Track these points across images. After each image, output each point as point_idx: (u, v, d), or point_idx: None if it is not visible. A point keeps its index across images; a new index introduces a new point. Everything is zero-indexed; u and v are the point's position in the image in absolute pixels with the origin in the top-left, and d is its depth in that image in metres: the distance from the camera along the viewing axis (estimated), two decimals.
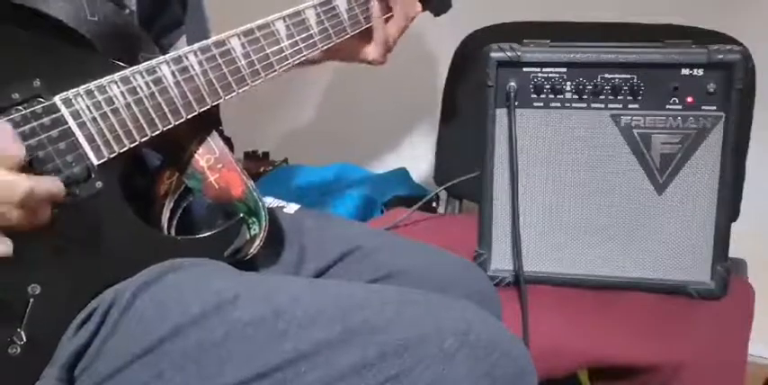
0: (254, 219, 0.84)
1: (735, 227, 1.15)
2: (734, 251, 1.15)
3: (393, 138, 2.02)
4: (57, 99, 0.71)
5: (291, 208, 1.02)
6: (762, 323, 1.16)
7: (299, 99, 2.08)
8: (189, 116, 0.80)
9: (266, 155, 1.94)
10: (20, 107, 0.69)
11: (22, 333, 0.68)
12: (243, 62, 0.84)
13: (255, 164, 1.88)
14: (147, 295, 0.72)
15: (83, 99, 0.73)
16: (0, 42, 0.69)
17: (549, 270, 1.17)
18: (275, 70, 0.87)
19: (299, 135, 2.14)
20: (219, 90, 0.82)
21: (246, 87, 0.85)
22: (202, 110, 0.81)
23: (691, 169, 1.12)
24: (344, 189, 1.75)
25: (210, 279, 0.75)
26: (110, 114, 0.74)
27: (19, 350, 0.68)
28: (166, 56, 0.79)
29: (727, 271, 1.13)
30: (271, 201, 1.02)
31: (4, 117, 0.68)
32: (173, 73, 0.78)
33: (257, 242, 0.84)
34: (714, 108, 1.10)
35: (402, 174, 1.87)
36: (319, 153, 1.93)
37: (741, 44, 1.14)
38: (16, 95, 0.69)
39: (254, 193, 0.84)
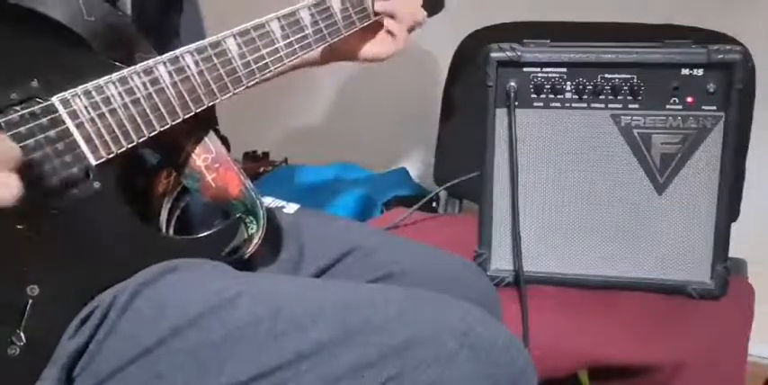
0: (252, 219, 0.84)
1: (735, 227, 1.14)
2: (734, 251, 1.15)
3: (393, 138, 2.02)
4: (55, 99, 0.71)
5: (291, 208, 1.02)
6: (762, 323, 1.16)
7: (298, 99, 2.08)
8: (186, 116, 0.80)
9: (266, 155, 1.94)
10: (17, 107, 0.69)
11: (22, 334, 0.68)
12: (239, 62, 0.84)
13: (255, 164, 1.88)
14: (146, 295, 0.72)
15: (80, 99, 0.73)
16: None
17: (549, 270, 1.17)
18: (270, 70, 0.87)
19: (299, 135, 2.14)
20: (216, 90, 0.82)
21: (242, 88, 0.85)
22: (199, 110, 0.81)
23: (691, 169, 1.11)
24: (344, 189, 1.75)
25: (210, 279, 0.75)
26: (107, 115, 0.74)
27: (18, 351, 0.68)
28: (163, 56, 0.79)
29: (727, 271, 1.13)
30: (270, 201, 1.02)
31: (2, 117, 0.68)
32: (169, 73, 0.78)
33: (255, 241, 0.84)
34: (714, 108, 1.09)
35: (402, 174, 1.88)
36: (319, 153, 1.93)
37: (741, 44, 1.14)
38: (14, 96, 0.69)
39: (252, 193, 0.84)
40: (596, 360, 1.07)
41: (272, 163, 1.91)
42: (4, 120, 0.67)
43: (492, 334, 0.69)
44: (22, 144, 0.67)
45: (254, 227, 0.84)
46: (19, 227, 0.68)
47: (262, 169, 1.86)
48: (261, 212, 0.84)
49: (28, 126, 0.69)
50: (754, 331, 1.12)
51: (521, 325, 1.09)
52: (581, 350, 1.07)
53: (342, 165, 1.87)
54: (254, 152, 1.94)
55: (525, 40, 1.14)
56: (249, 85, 0.86)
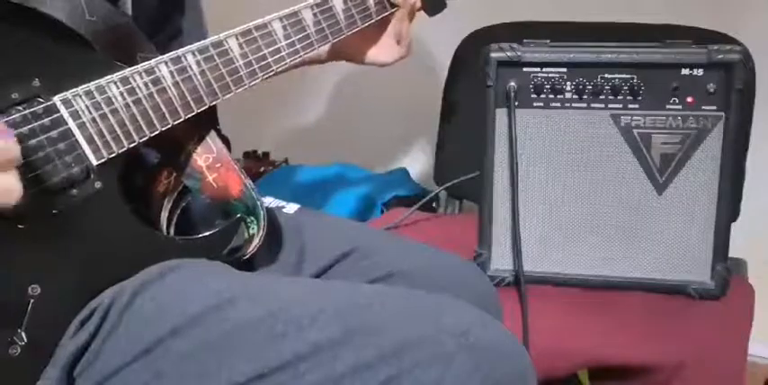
0: (253, 219, 0.84)
1: (735, 227, 1.14)
2: (734, 251, 1.15)
3: (393, 138, 2.02)
4: (56, 99, 0.71)
5: (291, 208, 1.02)
6: (762, 323, 1.16)
7: (299, 99, 2.08)
8: (187, 116, 0.80)
9: (266, 155, 1.94)
10: (19, 107, 0.69)
11: (23, 334, 0.68)
12: (240, 62, 0.84)
13: (255, 164, 1.88)
14: (146, 295, 0.72)
15: (82, 99, 0.73)
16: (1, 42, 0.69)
17: (549, 270, 1.17)
18: (273, 70, 0.87)
19: (299, 135, 2.14)
20: (217, 90, 0.82)
21: (244, 88, 0.85)
22: (200, 110, 0.81)
23: (691, 169, 1.11)
24: (344, 189, 1.75)
25: (209, 279, 0.75)
26: (109, 115, 0.74)
27: (19, 350, 0.68)
28: (165, 56, 0.79)
29: (728, 271, 1.13)
30: (270, 201, 1.02)
31: (3, 117, 0.67)
32: (171, 73, 0.78)
33: (255, 241, 0.84)
34: (714, 108, 1.09)
35: (402, 174, 1.87)
36: (319, 153, 1.93)
37: (741, 44, 1.14)
38: (15, 95, 0.69)
39: (253, 193, 0.84)
40: (596, 360, 1.07)
41: (272, 163, 1.90)
42: (6, 119, 0.67)
43: (491, 334, 0.69)
44: (23, 144, 0.67)
45: (255, 227, 0.84)
46: (20, 226, 0.68)
47: (262, 169, 1.86)
48: (261, 213, 0.84)
49: (30, 126, 0.69)
50: (754, 331, 1.12)
51: (521, 325, 1.09)
52: (581, 350, 1.07)
53: (342, 165, 1.87)
54: (254, 152, 1.94)
55: (525, 40, 1.14)
56: (251, 84, 0.86)
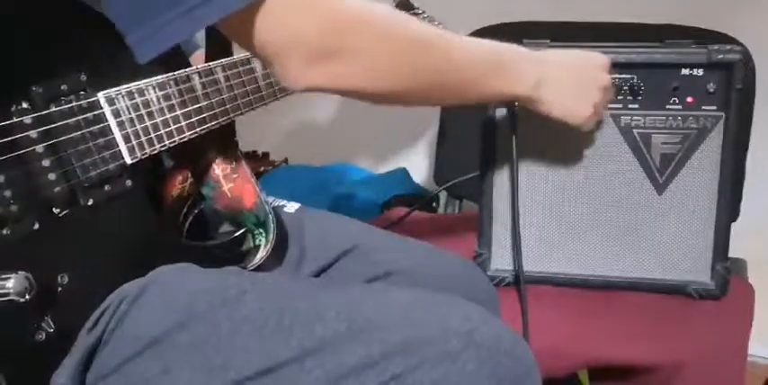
0: (261, 231, 0.86)
1: (735, 227, 1.14)
2: (734, 251, 1.15)
3: (393, 138, 2.02)
4: (101, 96, 0.73)
5: (292, 206, 1.02)
6: (762, 323, 1.16)
7: (299, 99, 2.07)
8: (212, 126, 0.83)
9: (266, 155, 1.94)
10: (66, 99, 0.71)
11: (50, 320, 0.69)
12: (262, 83, 0.88)
13: (255, 164, 1.88)
14: (155, 289, 0.73)
15: (123, 99, 0.75)
16: (57, 33, 0.71)
17: (549, 270, 1.17)
18: (288, 93, 0.92)
19: (299, 135, 2.14)
20: (241, 105, 0.86)
21: (263, 106, 0.90)
22: (224, 121, 0.85)
23: (691, 169, 1.11)
24: (344, 189, 1.75)
25: (218, 276, 0.76)
26: (145, 117, 0.77)
27: (44, 337, 0.68)
28: (197, 67, 0.82)
29: (728, 271, 1.13)
30: (271, 200, 1.03)
31: (55, 106, 0.69)
32: (203, 84, 0.81)
33: (261, 253, 0.86)
34: (714, 108, 1.09)
35: (402, 174, 1.88)
36: (319, 153, 1.93)
37: (741, 44, 1.14)
38: (64, 87, 0.71)
39: (266, 206, 0.86)
40: (596, 360, 1.07)
41: (272, 163, 1.91)
42: (57, 109, 0.69)
43: (496, 333, 0.69)
44: (70, 135, 0.70)
45: (263, 239, 0.86)
46: (58, 214, 0.69)
47: (262, 169, 1.87)
48: (272, 226, 0.86)
49: (76, 118, 0.71)
50: (754, 331, 1.12)
51: (521, 325, 1.09)
52: (581, 350, 1.07)
53: (342, 166, 1.87)
54: (254, 152, 1.95)
55: (525, 40, 1.14)
56: (268, 104, 0.90)
